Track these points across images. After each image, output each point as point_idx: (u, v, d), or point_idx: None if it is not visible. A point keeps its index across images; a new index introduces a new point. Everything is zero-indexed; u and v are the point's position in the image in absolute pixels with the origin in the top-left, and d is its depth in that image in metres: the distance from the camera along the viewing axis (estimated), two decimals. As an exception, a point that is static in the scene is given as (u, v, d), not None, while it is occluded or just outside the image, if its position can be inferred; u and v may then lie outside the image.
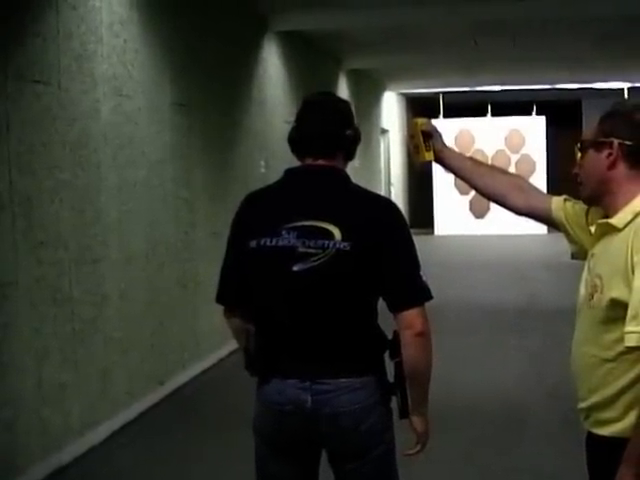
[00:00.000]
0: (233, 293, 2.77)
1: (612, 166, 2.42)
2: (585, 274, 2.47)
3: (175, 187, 7.04)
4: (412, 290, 2.63)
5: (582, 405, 2.47)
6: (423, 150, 2.86)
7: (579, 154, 2.51)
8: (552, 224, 2.72)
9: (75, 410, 5.34)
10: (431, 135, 2.88)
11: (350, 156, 2.82)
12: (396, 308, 2.63)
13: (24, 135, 4.86)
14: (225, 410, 6.21)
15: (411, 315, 2.60)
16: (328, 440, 2.69)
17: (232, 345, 7.60)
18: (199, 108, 7.57)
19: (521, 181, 2.86)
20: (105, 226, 5.79)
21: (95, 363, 5.59)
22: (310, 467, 2.78)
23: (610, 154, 2.41)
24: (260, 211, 2.74)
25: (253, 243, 2.66)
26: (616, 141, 2.40)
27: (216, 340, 7.68)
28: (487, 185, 2.85)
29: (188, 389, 6.90)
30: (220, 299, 2.80)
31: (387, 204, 2.76)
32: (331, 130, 2.73)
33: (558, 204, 2.69)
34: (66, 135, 5.30)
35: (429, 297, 2.64)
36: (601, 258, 2.41)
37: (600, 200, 2.48)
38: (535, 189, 2.82)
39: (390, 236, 2.64)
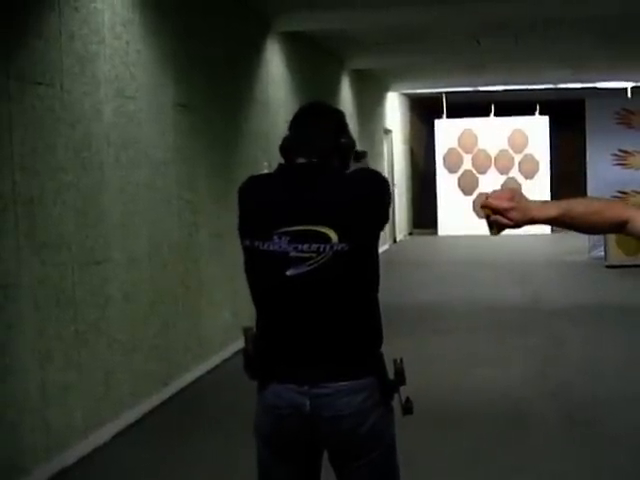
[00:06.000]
0: None
1: None
2: None
3: (178, 188, 7.04)
4: None
5: None
6: (488, 225, 2.23)
7: None
8: None
9: (79, 411, 5.35)
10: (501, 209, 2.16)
11: (346, 165, 2.75)
12: None
13: (27, 137, 4.87)
14: (229, 411, 6.21)
15: None
16: (328, 442, 2.68)
17: (236, 346, 7.61)
18: (202, 109, 7.57)
19: (612, 211, 2.25)
20: (108, 227, 5.79)
21: (99, 364, 5.60)
22: (311, 468, 2.78)
23: None
24: (255, 205, 2.68)
25: (247, 242, 2.65)
26: None
27: (220, 341, 7.69)
28: (590, 230, 2.31)
29: (192, 390, 6.90)
30: None
31: (364, 180, 2.68)
32: (324, 136, 2.70)
33: None
34: (69, 136, 5.30)
35: None
36: None
37: None
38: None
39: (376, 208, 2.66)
